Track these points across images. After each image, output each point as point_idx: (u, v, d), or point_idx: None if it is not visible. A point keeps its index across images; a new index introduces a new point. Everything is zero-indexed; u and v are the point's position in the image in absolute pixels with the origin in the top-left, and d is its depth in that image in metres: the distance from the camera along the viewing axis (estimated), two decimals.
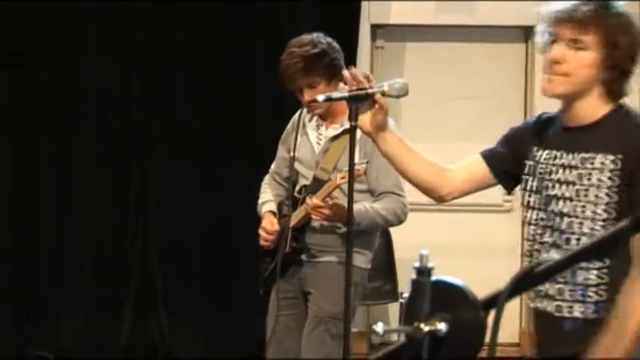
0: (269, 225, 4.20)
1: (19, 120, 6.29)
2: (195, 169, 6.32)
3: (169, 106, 6.35)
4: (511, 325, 6.52)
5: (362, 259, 4.14)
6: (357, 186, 3.81)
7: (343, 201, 3.89)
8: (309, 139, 4.20)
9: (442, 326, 1.45)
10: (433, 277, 1.48)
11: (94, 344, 6.23)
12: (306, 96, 4.06)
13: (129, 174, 6.33)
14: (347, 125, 4.03)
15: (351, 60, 6.19)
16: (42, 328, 6.19)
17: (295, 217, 4.11)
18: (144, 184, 6.34)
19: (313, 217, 3.99)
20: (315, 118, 4.21)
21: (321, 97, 3.85)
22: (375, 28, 6.70)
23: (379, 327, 1.52)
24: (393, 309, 6.39)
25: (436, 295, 1.47)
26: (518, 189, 3.00)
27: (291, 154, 4.20)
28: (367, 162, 3.99)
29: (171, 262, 6.35)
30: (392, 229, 5.48)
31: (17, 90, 6.23)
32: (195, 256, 6.33)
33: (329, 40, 4.17)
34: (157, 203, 6.35)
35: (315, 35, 4.15)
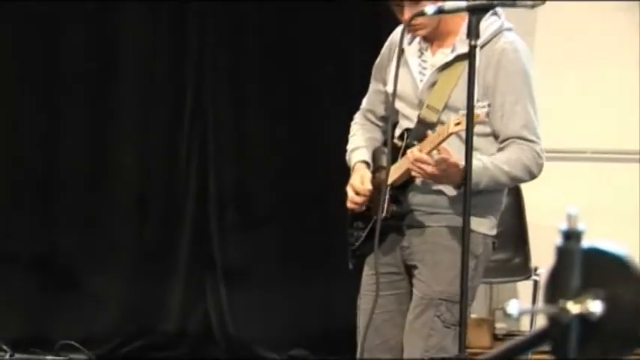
0: (359, 182, 4.17)
1: (51, 72, 6.54)
2: (262, 96, 6.43)
3: (233, 44, 6.48)
4: None
5: (484, 224, 4.08)
6: (478, 128, 3.77)
7: (460, 150, 3.82)
8: (410, 69, 4.13)
9: (596, 307, 1.44)
10: (585, 244, 1.45)
11: (137, 321, 6.41)
12: (407, 12, 4.00)
13: (181, 113, 6.47)
14: (460, 50, 4.00)
15: None
16: (80, 304, 6.43)
17: (395, 172, 4.06)
18: (197, 124, 6.48)
19: (413, 173, 3.94)
20: (418, 40, 4.14)
21: (430, 9, 3.79)
22: None
23: (512, 306, 1.49)
24: (524, 289, 6.41)
25: (588, 267, 1.44)
26: None
27: (388, 87, 4.13)
28: (489, 104, 3.91)
29: (230, 221, 6.43)
30: (524, 185, 5.46)
31: (57, 37, 6.52)
32: (259, 214, 6.40)
33: None
34: (214, 147, 6.45)
35: None
